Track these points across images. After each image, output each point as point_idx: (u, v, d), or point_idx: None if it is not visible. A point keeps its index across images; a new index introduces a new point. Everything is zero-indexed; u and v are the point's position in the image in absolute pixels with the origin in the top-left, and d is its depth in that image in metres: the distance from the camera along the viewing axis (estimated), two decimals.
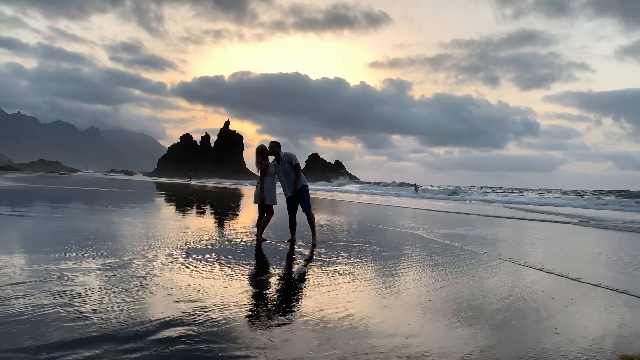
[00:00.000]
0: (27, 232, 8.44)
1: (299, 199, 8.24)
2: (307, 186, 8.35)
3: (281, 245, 7.94)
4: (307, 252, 7.41)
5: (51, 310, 3.66)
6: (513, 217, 19.11)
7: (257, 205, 8.20)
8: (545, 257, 8.11)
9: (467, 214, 20.54)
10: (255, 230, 8.33)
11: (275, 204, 8.16)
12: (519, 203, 36.15)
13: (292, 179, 8.12)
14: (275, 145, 8.21)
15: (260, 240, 8.04)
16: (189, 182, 65.35)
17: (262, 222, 8.14)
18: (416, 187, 61.84)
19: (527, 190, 59.87)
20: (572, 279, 6.10)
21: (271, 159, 8.24)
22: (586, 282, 5.94)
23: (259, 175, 8.05)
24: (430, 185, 75.90)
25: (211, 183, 75.29)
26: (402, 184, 75.69)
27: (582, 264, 7.52)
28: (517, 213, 22.55)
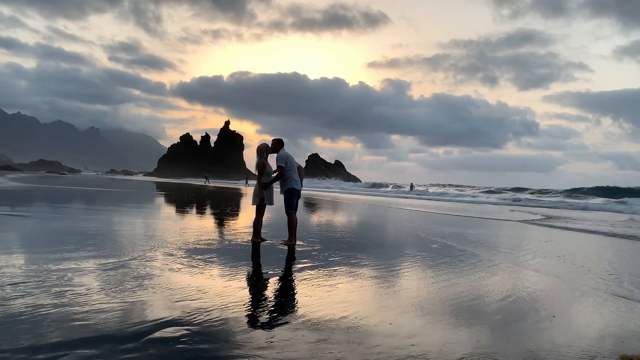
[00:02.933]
0: (27, 232, 8.44)
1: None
2: (294, 189, 8.01)
3: (280, 245, 7.94)
4: (306, 252, 7.41)
5: (51, 310, 3.67)
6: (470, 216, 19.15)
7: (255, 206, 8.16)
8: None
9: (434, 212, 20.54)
10: (253, 230, 8.29)
11: (272, 204, 8.11)
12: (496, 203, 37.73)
13: (283, 179, 8.00)
14: (275, 143, 8.13)
15: (259, 240, 8.04)
16: (206, 183, 66.89)
17: (255, 222, 8.07)
18: (412, 186, 65.31)
19: (518, 189, 62.53)
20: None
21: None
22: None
23: (257, 174, 8.00)
24: (404, 185, 79.65)
25: (225, 184, 75.51)
26: (374, 185, 79.22)
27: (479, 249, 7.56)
28: (476, 212, 22.69)
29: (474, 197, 46.80)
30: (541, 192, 54.42)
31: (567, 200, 39.90)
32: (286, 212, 8.08)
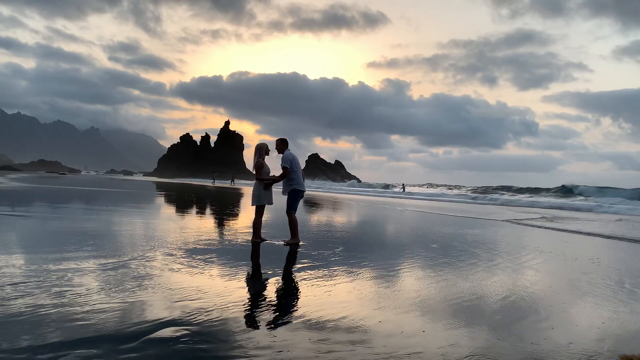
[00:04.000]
0: (27, 232, 8.44)
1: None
2: (297, 190, 8.02)
3: (281, 245, 7.94)
4: (306, 252, 7.41)
5: (51, 310, 3.67)
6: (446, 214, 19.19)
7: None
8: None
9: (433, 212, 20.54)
10: (253, 231, 8.26)
11: (271, 204, 8.11)
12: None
13: (286, 179, 8.01)
14: (280, 143, 8.12)
15: (259, 240, 8.03)
16: (213, 184, 66.77)
17: (254, 222, 8.07)
18: (404, 186, 66.43)
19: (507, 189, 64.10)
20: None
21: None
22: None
23: (254, 174, 8.00)
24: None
25: (219, 184, 75.54)
26: (362, 185, 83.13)
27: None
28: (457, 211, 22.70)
29: (451, 197, 49.13)
30: (526, 190, 56.98)
31: (532, 199, 42.39)
32: (287, 213, 8.09)
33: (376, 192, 59.05)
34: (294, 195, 8.06)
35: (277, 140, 8.20)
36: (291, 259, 6.84)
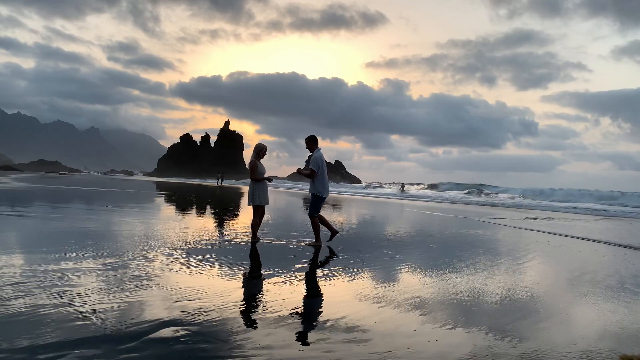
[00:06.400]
0: (27, 232, 8.44)
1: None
2: (315, 194, 8.02)
3: (280, 245, 7.94)
4: (305, 252, 7.42)
5: (51, 310, 3.67)
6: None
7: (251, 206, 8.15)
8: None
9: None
10: (251, 230, 8.27)
11: (267, 204, 8.12)
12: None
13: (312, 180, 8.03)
14: (309, 141, 8.07)
15: (256, 240, 8.04)
16: (219, 184, 66.29)
17: (253, 223, 8.10)
18: (403, 187, 65.04)
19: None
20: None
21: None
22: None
23: (250, 174, 8.03)
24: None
25: (233, 184, 75.22)
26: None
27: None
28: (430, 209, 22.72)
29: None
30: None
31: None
32: (309, 216, 8.09)
33: (345, 191, 57.76)
34: (315, 199, 8.09)
35: (306, 139, 8.08)
36: (291, 259, 6.83)
